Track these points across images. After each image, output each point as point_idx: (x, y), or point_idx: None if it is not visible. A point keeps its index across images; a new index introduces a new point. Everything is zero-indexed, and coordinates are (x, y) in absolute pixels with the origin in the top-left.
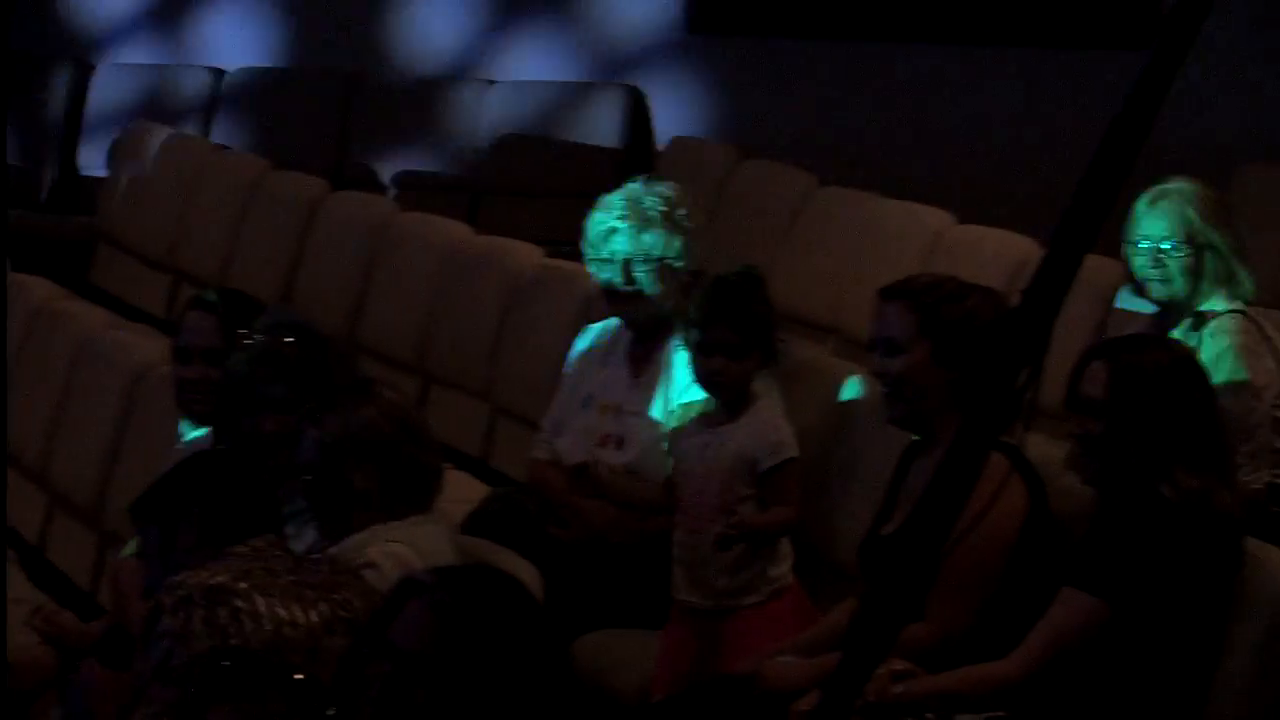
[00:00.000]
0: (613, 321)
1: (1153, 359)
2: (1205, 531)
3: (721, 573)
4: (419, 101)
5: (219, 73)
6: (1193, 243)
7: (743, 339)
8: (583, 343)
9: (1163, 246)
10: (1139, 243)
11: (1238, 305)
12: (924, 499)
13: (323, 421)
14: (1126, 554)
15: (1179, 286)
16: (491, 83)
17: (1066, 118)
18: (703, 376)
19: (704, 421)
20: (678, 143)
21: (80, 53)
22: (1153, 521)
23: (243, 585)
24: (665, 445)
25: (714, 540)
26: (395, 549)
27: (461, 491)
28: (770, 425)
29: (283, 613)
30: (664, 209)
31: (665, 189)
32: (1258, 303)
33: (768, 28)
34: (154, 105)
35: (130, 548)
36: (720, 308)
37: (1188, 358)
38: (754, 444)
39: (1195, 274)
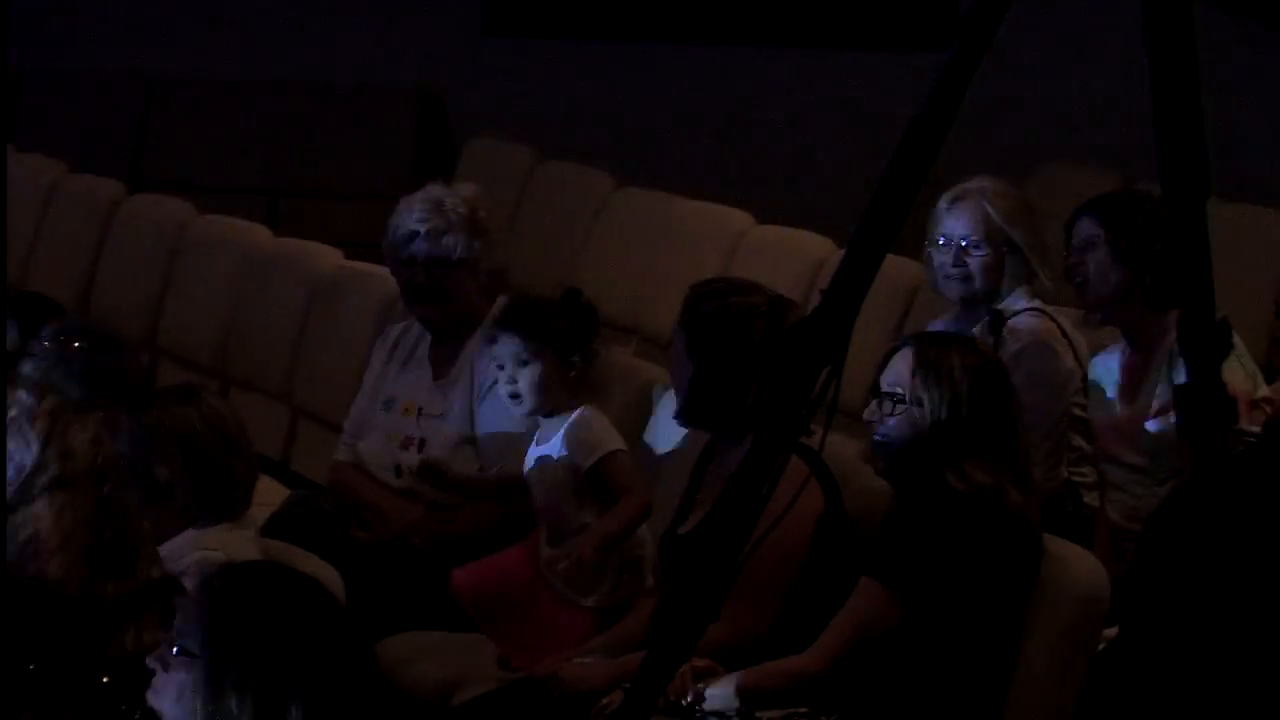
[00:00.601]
0: (413, 323)
1: (955, 355)
2: (997, 526)
3: (588, 595)
4: (217, 104)
5: (17, 73)
6: (993, 241)
7: (533, 349)
8: (383, 344)
9: (963, 245)
10: (940, 241)
11: (1037, 304)
12: (723, 499)
13: (140, 415)
14: (917, 544)
15: (979, 285)
16: (289, 84)
17: (865, 118)
18: (509, 394)
19: (536, 440)
20: (476, 145)
21: None
22: (943, 514)
23: None
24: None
25: (561, 574)
26: (211, 555)
27: (262, 495)
28: (581, 426)
29: None
30: (464, 211)
31: (465, 191)
32: (1057, 301)
33: (565, 30)
34: None
35: None
36: (509, 320)
37: (988, 355)
38: (571, 450)
39: (995, 272)
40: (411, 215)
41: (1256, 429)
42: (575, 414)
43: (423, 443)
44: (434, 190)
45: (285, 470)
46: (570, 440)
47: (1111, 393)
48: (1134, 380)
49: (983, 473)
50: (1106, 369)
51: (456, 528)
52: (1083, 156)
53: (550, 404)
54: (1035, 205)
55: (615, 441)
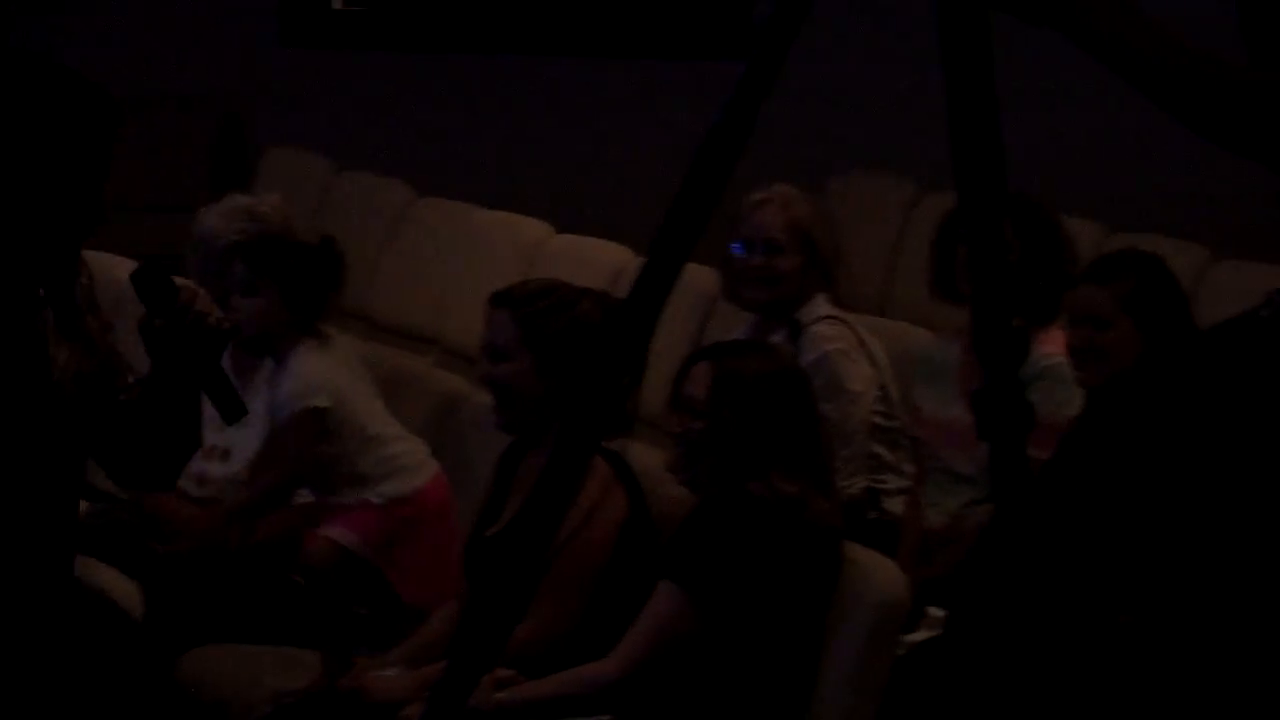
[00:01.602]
0: None
1: (754, 364)
2: (800, 536)
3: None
4: None
5: None
6: (795, 246)
7: (261, 280)
8: None
9: (766, 249)
10: (741, 246)
11: (836, 311)
12: (528, 503)
13: None
14: (714, 549)
15: (782, 289)
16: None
17: (664, 127)
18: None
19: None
20: (274, 155)
21: None
22: (741, 519)
23: None
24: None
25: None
26: None
27: None
28: (292, 373)
29: None
30: (279, 220)
31: (272, 200)
32: (855, 309)
33: (362, 40)
34: None
35: None
36: (246, 249)
37: (788, 363)
38: (279, 402)
39: (797, 277)
40: (230, 225)
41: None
42: (294, 357)
43: (226, 452)
44: (241, 200)
45: (83, 483)
46: (286, 383)
47: (948, 389)
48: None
49: (785, 481)
50: (943, 360)
51: (259, 534)
52: (878, 165)
53: (264, 339)
54: (832, 214)
55: (320, 395)
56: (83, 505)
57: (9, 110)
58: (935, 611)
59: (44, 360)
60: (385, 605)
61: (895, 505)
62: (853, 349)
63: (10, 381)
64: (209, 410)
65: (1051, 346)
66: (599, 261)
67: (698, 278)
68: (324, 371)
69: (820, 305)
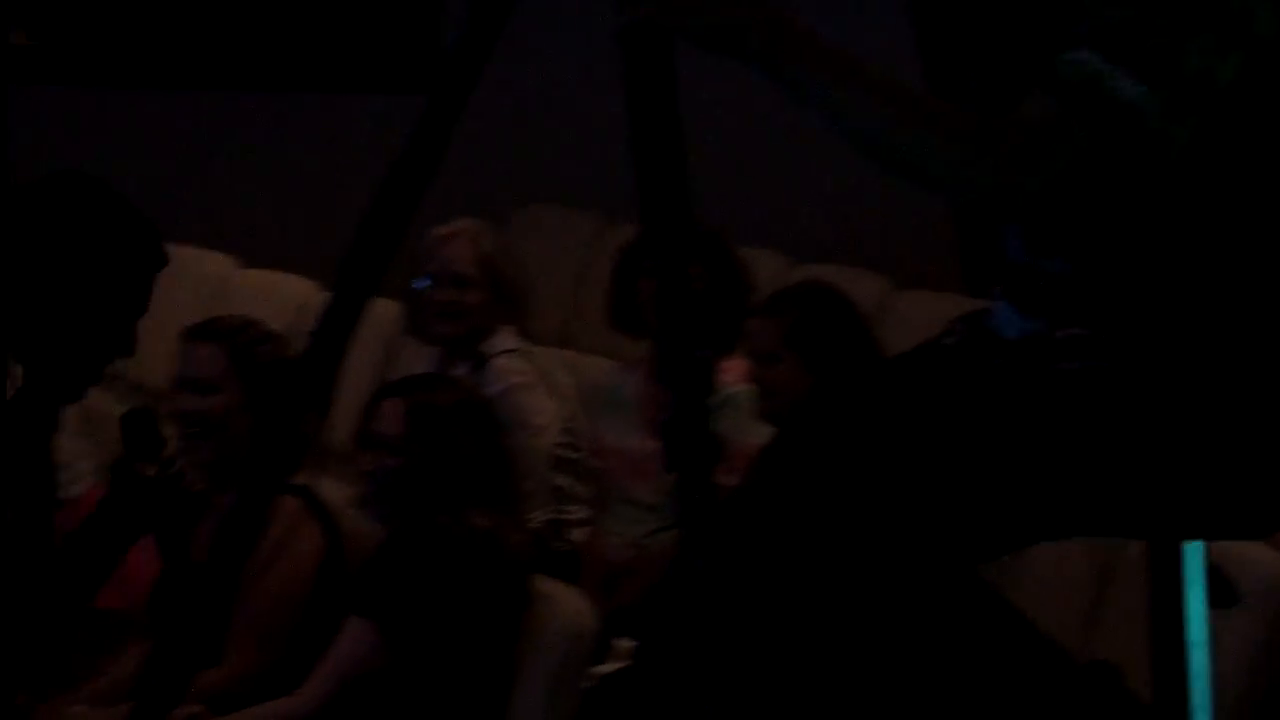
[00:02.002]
0: None
1: (446, 397)
2: (489, 568)
3: None
4: None
5: None
6: (481, 280)
7: None
8: None
9: (453, 283)
10: (426, 280)
11: (520, 344)
12: (214, 543)
13: None
14: (403, 582)
15: (467, 323)
16: None
17: (350, 160)
18: None
19: None
20: None
21: None
22: (433, 554)
23: None
24: None
25: None
26: None
27: None
28: None
29: None
30: None
31: None
32: (540, 341)
33: (42, 76)
34: None
35: None
36: None
37: (478, 396)
38: None
39: (483, 311)
40: None
41: None
42: None
43: None
44: None
45: None
46: None
47: (631, 419)
48: (657, 414)
49: (478, 514)
50: (625, 390)
51: None
52: (563, 199)
53: None
54: (516, 248)
55: None
56: None
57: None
58: (623, 643)
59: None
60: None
61: (580, 536)
62: (536, 382)
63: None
64: None
65: (732, 375)
66: (284, 295)
67: (381, 311)
68: None
69: (505, 338)
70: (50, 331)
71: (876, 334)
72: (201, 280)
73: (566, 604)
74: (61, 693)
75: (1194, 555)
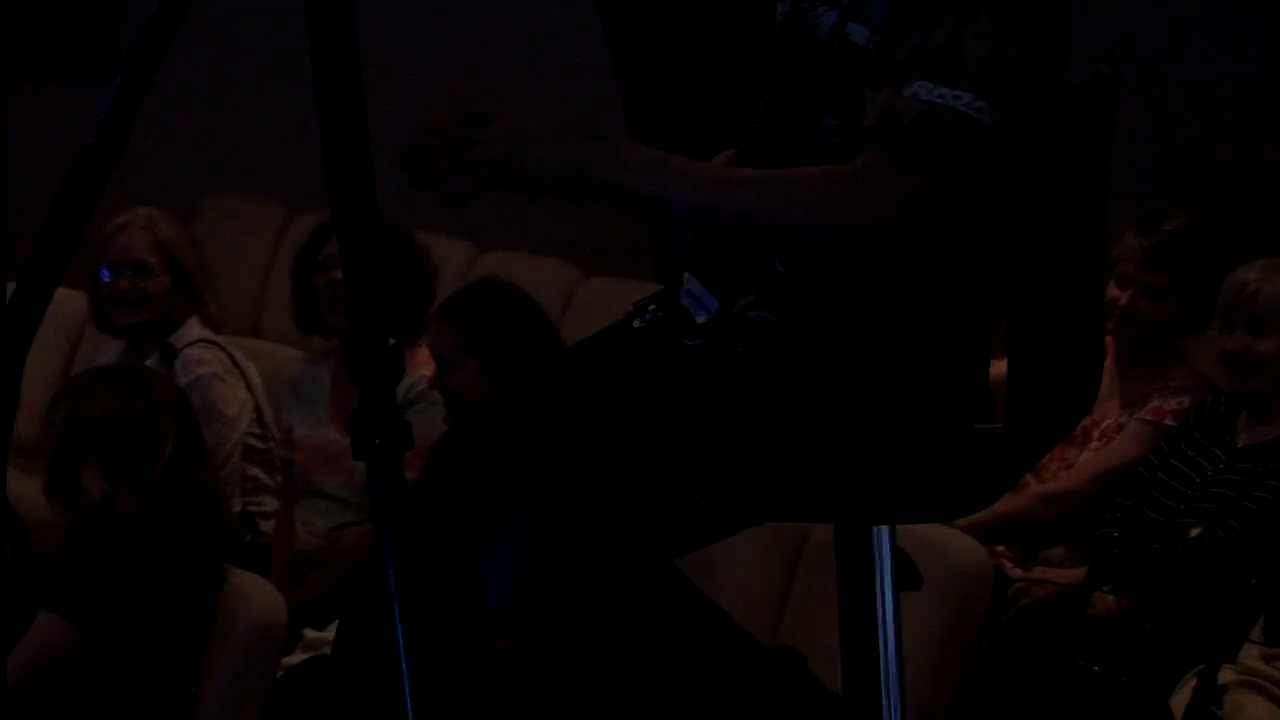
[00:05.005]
0: None
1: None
2: (179, 558)
3: None
4: None
5: None
6: (163, 268)
7: None
8: None
9: (133, 271)
10: (108, 272)
11: (208, 334)
12: None
13: None
14: (91, 573)
15: (150, 313)
16: None
17: (34, 150)
18: None
19: None
20: None
21: None
22: (120, 544)
23: None
24: None
25: None
26: None
27: None
28: None
29: None
30: None
31: None
32: (228, 330)
33: None
34: None
35: None
36: None
37: (167, 388)
38: None
39: (166, 299)
40: None
41: None
42: None
43: None
44: None
45: None
46: None
47: (320, 410)
48: (347, 407)
49: (169, 502)
50: (314, 382)
51: None
52: (248, 188)
53: None
54: (200, 235)
55: None
56: None
57: None
58: (312, 633)
59: None
60: None
61: (271, 527)
62: (226, 372)
63: None
64: None
65: (424, 370)
66: None
67: (67, 302)
68: None
69: (193, 328)
70: None
71: (563, 323)
72: None
73: (257, 595)
74: None
75: (881, 539)
